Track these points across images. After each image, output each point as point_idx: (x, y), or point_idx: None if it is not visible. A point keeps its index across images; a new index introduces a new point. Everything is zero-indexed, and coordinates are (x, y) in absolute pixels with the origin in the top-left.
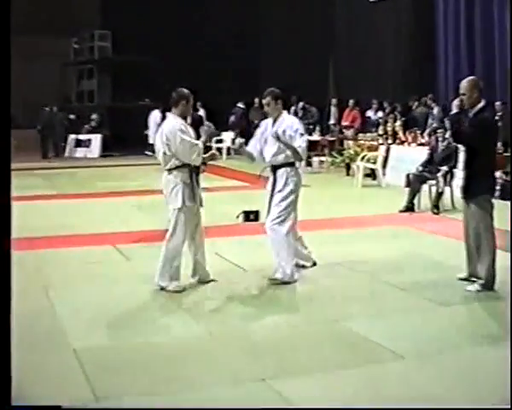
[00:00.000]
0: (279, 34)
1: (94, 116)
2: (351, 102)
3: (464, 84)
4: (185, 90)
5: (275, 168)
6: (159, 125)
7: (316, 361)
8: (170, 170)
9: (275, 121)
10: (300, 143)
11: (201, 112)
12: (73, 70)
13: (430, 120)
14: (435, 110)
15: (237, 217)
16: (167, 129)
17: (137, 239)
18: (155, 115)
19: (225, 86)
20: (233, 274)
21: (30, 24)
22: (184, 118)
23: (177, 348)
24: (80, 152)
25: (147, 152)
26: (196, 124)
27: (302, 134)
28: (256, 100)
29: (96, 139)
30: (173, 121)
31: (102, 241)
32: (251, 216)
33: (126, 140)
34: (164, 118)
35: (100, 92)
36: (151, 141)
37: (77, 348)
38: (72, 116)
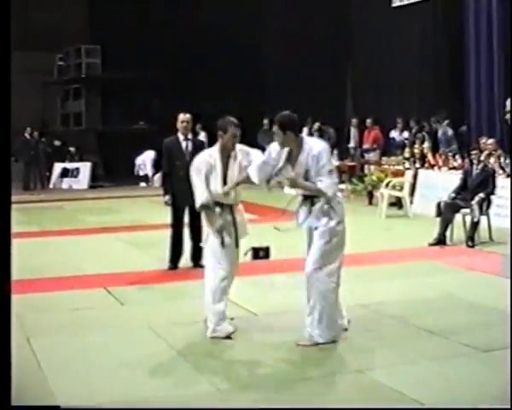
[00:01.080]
0: (289, 46)
1: (72, 149)
2: (368, 121)
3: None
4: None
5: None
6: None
7: None
8: None
9: (290, 154)
10: (325, 186)
11: (202, 136)
12: (57, 90)
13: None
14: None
15: (245, 254)
16: None
17: (132, 281)
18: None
19: (228, 106)
20: (243, 320)
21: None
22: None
23: (181, 406)
24: (67, 183)
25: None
26: (198, 151)
27: (331, 171)
28: (265, 121)
29: (85, 168)
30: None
31: (93, 283)
32: (260, 253)
33: (118, 169)
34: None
35: (88, 115)
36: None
37: (63, 407)
38: (56, 142)
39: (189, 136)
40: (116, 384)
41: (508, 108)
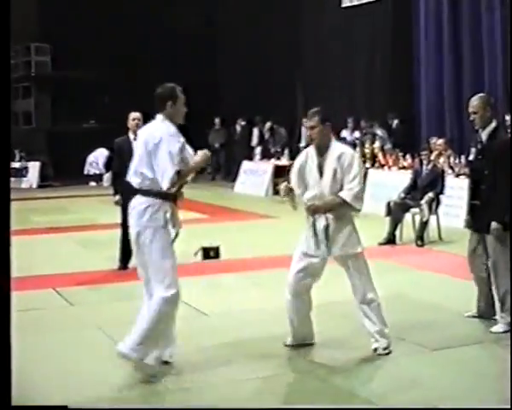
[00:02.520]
0: (238, 44)
1: (16, 151)
2: None
3: (475, 101)
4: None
5: None
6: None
7: None
8: None
9: (321, 153)
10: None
11: None
12: None
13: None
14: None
15: (195, 254)
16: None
17: (82, 281)
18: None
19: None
20: (192, 319)
21: None
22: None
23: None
24: (15, 182)
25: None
26: None
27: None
28: (216, 121)
29: (34, 168)
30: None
31: (41, 284)
32: (211, 253)
33: (68, 168)
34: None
35: (38, 114)
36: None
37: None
38: None
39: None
40: (68, 385)
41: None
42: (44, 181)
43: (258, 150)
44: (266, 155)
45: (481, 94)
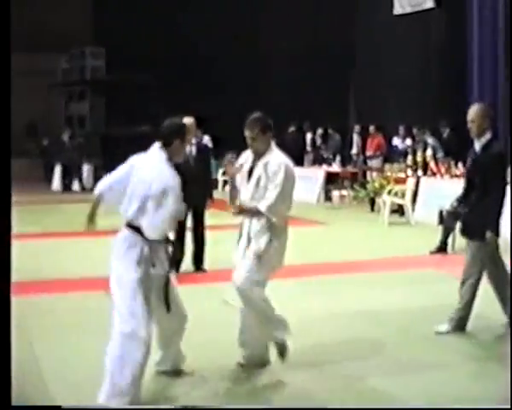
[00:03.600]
0: (291, 50)
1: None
2: (371, 128)
3: (473, 110)
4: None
5: None
6: None
7: None
8: None
9: (256, 158)
10: (266, 203)
11: (206, 140)
12: (62, 92)
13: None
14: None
15: None
16: None
17: None
18: None
19: (231, 109)
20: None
21: (14, 39)
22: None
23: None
24: (72, 185)
25: None
26: (202, 154)
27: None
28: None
29: (89, 171)
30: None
31: (95, 286)
32: None
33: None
34: None
35: (92, 117)
36: None
37: (64, 407)
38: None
39: (193, 140)
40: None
41: None
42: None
43: (309, 156)
44: (317, 161)
45: (481, 104)
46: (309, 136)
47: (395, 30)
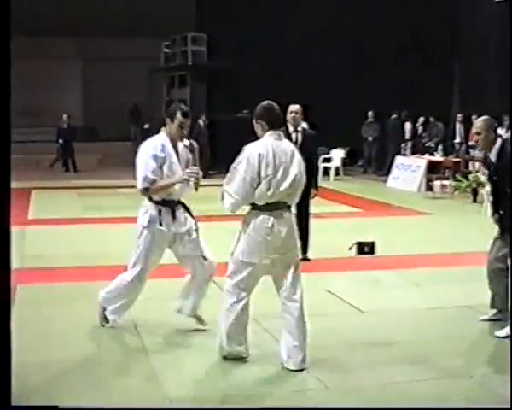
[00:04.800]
0: (394, 39)
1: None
2: (474, 117)
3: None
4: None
5: None
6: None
7: None
8: None
9: None
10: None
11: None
12: (163, 77)
13: None
14: None
15: (350, 249)
16: None
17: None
18: None
19: (333, 98)
20: (348, 317)
21: (115, 25)
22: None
23: (288, 402)
24: None
25: None
26: (308, 142)
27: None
28: (370, 113)
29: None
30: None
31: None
32: (365, 248)
33: (222, 156)
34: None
35: (193, 102)
36: None
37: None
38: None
39: (299, 127)
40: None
41: None
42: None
43: (409, 145)
44: (418, 150)
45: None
46: (408, 125)
47: (499, 16)
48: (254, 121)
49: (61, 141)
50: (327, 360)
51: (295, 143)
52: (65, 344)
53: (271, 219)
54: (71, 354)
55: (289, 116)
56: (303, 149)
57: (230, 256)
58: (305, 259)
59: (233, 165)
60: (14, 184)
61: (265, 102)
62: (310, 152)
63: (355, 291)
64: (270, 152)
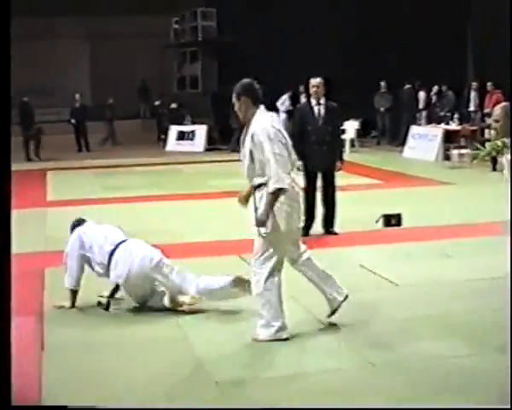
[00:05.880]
0: (407, 8)
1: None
2: (489, 84)
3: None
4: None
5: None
6: (288, 112)
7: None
8: None
9: (247, 127)
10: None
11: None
12: (174, 53)
13: None
14: None
15: (376, 222)
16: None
17: None
18: (283, 100)
19: (345, 72)
20: (383, 291)
21: (124, 2)
22: None
23: (334, 381)
24: (184, 145)
25: None
26: (331, 115)
27: (276, 155)
28: (382, 84)
29: (201, 131)
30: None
31: (226, 250)
32: (392, 221)
33: (234, 132)
34: (294, 104)
35: (204, 78)
36: None
37: (219, 380)
38: (173, 105)
39: (322, 100)
40: (261, 359)
41: None
42: (210, 145)
43: (423, 114)
44: (432, 120)
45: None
46: (422, 94)
47: None
48: (236, 99)
49: (73, 121)
50: (368, 336)
51: (318, 115)
52: (98, 324)
53: (294, 184)
54: (103, 335)
55: (311, 90)
56: (326, 122)
57: (262, 232)
58: (333, 233)
59: (269, 148)
60: (28, 166)
61: (246, 80)
62: (334, 125)
63: (387, 265)
64: (278, 124)
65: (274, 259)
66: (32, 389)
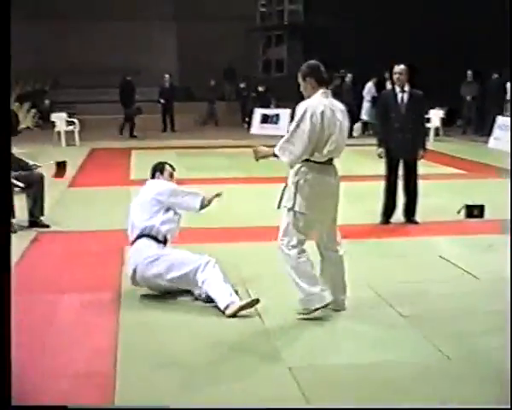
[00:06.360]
0: None
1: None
2: None
3: None
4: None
5: None
6: (373, 98)
7: None
8: None
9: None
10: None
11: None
12: (260, 36)
13: None
14: None
15: (458, 212)
16: None
17: (343, 234)
18: (369, 88)
19: (431, 59)
20: (463, 283)
21: None
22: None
23: (408, 373)
24: (267, 129)
25: (354, 133)
26: (415, 103)
27: (298, 130)
28: (469, 73)
29: (285, 115)
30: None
31: None
32: (475, 212)
33: None
34: (379, 90)
35: (290, 61)
36: (364, 117)
37: (292, 366)
38: (260, 88)
39: (406, 88)
40: (337, 346)
41: None
42: None
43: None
44: None
45: None
46: (509, 85)
47: None
48: (301, 80)
49: (162, 100)
50: (446, 329)
51: (401, 103)
52: (173, 306)
53: (326, 172)
54: (177, 317)
55: (394, 77)
56: (409, 109)
57: (288, 211)
58: (414, 222)
59: (295, 122)
60: (114, 144)
61: (312, 61)
62: (417, 113)
63: (468, 257)
64: (329, 110)
65: (296, 234)
66: (105, 364)
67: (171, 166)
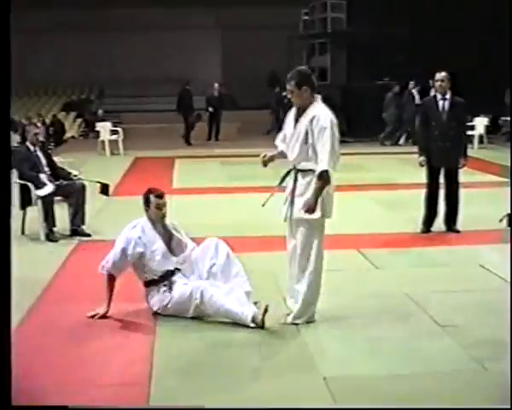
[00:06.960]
0: None
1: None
2: None
3: None
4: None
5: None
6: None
7: None
8: None
9: (302, 112)
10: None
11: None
12: (303, 44)
13: None
14: None
15: (500, 221)
16: None
17: (385, 243)
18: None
19: (473, 63)
20: (503, 292)
21: None
22: None
23: (445, 383)
24: None
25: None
26: (456, 110)
27: (334, 143)
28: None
29: None
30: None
31: (345, 244)
32: None
33: (361, 125)
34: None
35: (333, 70)
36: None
37: (327, 376)
38: None
39: (447, 95)
40: (376, 355)
41: None
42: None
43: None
44: None
45: None
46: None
47: None
48: (296, 88)
49: (210, 109)
50: (485, 339)
51: (442, 110)
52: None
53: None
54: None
55: (436, 84)
56: (451, 117)
57: (312, 217)
58: (455, 230)
59: (328, 134)
60: (158, 153)
61: (303, 68)
62: (458, 120)
63: (509, 266)
64: (333, 116)
65: (318, 243)
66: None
67: (157, 195)
